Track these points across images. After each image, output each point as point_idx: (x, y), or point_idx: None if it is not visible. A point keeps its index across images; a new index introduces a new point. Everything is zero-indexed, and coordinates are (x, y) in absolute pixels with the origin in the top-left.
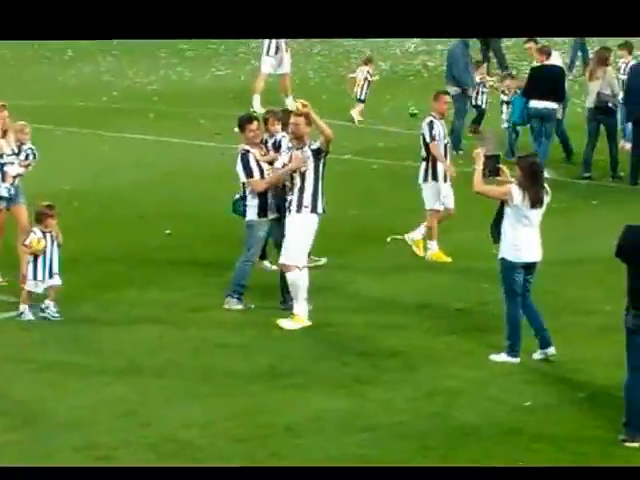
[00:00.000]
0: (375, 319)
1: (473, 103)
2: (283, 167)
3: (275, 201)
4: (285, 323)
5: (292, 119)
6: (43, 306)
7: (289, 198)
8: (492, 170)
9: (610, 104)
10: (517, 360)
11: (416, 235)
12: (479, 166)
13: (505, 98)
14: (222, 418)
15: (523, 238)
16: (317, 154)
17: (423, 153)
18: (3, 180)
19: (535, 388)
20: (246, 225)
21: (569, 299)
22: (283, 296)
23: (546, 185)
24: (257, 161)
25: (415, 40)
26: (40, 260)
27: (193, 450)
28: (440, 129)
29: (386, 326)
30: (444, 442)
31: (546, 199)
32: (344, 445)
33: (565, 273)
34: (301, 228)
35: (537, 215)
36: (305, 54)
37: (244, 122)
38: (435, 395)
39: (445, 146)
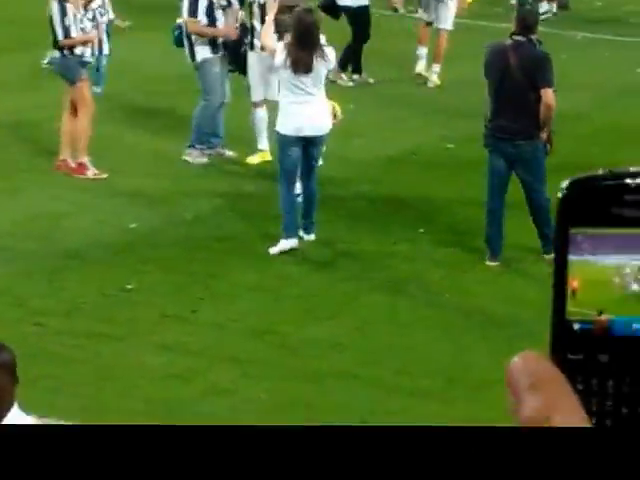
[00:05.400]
0: None
1: None
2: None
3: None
4: None
5: None
6: None
7: None
8: None
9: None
10: (294, 241)
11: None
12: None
13: None
14: None
15: (295, 108)
16: None
17: None
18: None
19: (139, 210)
20: (196, 66)
21: None
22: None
23: (326, 49)
24: None
25: None
26: None
27: None
28: None
29: None
30: (49, 266)
31: (320, 66)
32: None
33: None
34: None
35: (309, 83)
36: None
37: None
38: (39, 218)
39: None
